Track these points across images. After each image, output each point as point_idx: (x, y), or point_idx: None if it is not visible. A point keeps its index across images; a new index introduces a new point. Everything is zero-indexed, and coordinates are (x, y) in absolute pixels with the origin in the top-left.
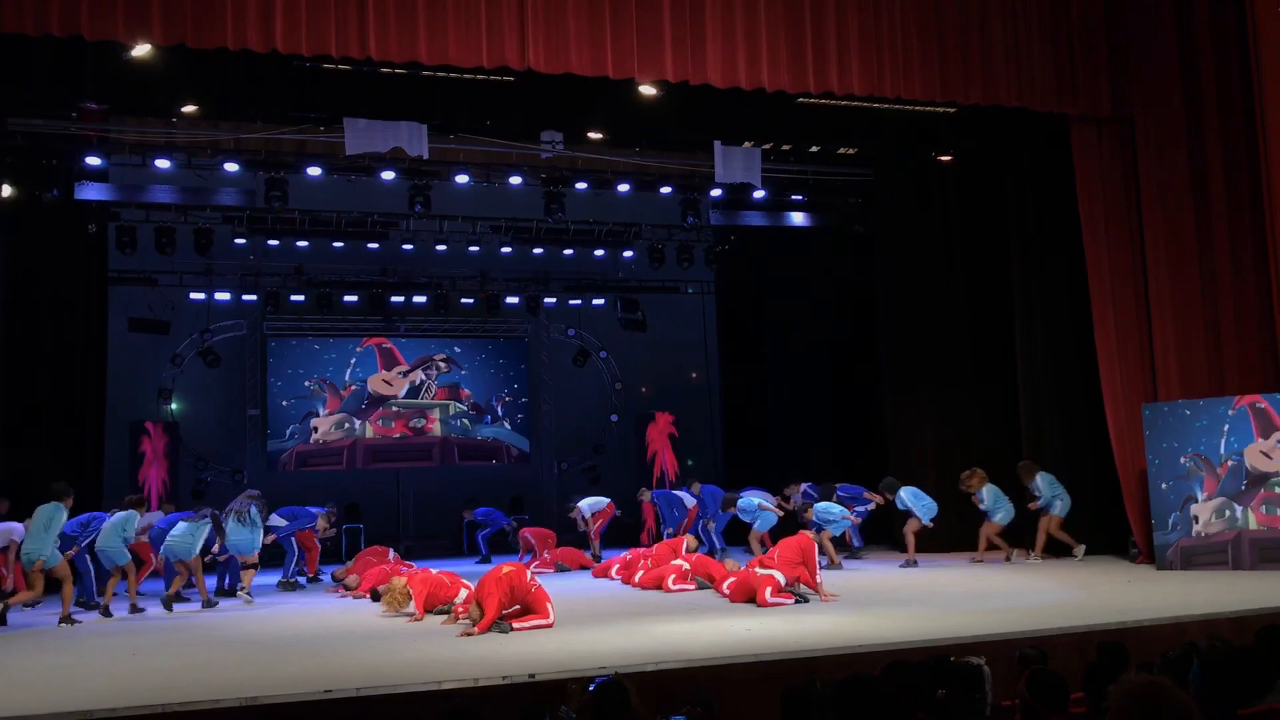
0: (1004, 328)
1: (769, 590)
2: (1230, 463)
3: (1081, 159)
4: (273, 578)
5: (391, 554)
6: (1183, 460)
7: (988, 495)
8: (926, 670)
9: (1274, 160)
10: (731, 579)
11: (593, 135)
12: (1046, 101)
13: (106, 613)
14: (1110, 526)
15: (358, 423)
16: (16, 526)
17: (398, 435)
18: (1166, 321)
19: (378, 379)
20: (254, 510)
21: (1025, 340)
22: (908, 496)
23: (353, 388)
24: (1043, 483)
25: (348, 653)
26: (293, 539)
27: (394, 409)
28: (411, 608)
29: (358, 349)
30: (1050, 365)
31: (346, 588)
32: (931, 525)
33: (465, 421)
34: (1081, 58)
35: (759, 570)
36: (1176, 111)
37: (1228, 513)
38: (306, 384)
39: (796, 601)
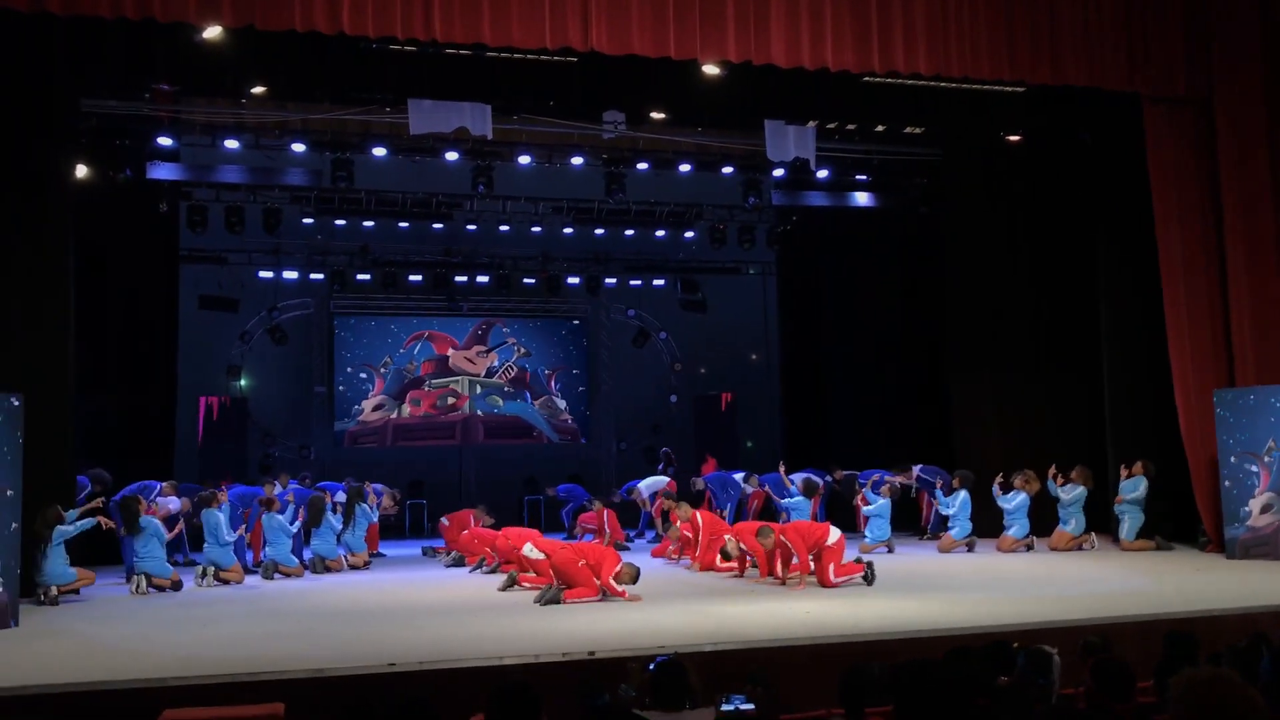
0: (1070, 311)
1: (832, 568)
2: (1267, 459)
3: (1155, 139)
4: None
5: (473, 520)
6: (1232, 459)
7: (957, 501)
8: (988, 656)
9: None
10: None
11: (654, 115)
12: (1118, 80)
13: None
14: (1181, 514)
15: (394, 403)
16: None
17: (422, 414)
18: (1243, 305)
19: (460, 355)
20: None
21: (1103, 323)
22: (958, 502)
23: (383, 370)
24: (960, 501)
25: (411, 627)
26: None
27: (425, 388)
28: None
29: (401, 349)
30: (1121, 349)
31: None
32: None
33: (496, 398)
34: (1155, 35)
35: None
36: (1256, 90)
37: (1275, 506)
38: (348, 369)
39: (865, 576)
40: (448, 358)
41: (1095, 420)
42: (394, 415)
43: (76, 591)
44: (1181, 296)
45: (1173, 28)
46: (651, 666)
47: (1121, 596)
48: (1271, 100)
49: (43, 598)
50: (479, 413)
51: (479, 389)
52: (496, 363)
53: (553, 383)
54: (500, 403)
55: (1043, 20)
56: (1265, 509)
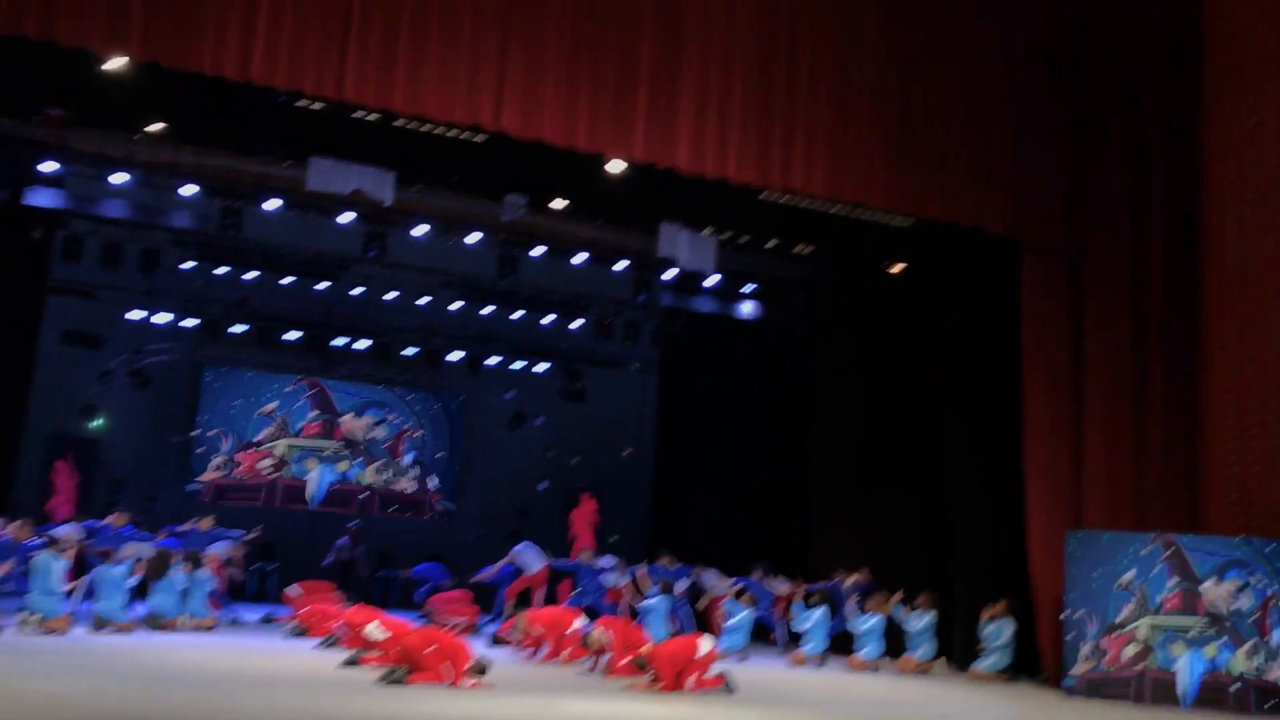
0: (929, 439)
1: (692, 680)
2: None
3: (1029, 284)
4: None
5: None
6: (1067, 612)
7: (924, 621)
8: None
9: (1210, 306)
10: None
11: (555, 204)
12: (1001, 223)
13: None
14: (1022, 646)
15: (230, 464)
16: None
17: (238, 476)
18: (1097, 451)
19: (352, 422)
20: None
21: (953, 454)
22: (924, 622)
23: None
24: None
25: (258, 698)
26: None
27: (251, 450)
28: None
29: (288, 388)
30: (975, 483)
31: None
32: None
33: (312, 462)
34: (1041, 189)
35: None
36: (1125, 251)
37: (1136, 649)
38: (194, 433)
39: (725, 688)
40: (337, 424)
41: (947, 547)
42: (225, 475)
43: None
44: (1043, 438)
45: (1057, 184)
46: None
47: None
48: (1138, 258)
49: None
50: (291, 477)
51: (296, 452)
52: (383, 435)
53: (400, 448)
54: (313, 467)
55: (936, 160)
56: (1125, 648)
